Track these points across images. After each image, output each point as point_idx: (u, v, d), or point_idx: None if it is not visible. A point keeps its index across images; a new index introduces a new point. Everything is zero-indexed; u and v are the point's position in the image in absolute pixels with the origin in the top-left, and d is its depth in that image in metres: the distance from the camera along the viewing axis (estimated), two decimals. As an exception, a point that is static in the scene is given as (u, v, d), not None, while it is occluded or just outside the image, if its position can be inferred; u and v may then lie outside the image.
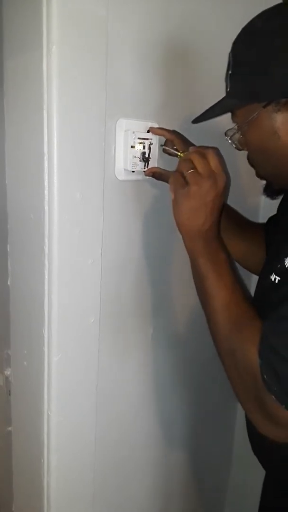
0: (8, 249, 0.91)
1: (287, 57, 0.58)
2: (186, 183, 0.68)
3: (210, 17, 0.98)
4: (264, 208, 1.26)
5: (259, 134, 0.65)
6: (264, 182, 0.76)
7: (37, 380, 0.86)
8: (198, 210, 0.67)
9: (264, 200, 1.23)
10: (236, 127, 0.70)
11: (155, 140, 0.88)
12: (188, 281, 1.08)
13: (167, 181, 0.89)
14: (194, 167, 0.68)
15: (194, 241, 0.68)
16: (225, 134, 0.72)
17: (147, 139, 0.86)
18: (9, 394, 1.00)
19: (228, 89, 0.68)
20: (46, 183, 0.77)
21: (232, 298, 0.65)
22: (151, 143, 0.87)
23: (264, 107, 0.62)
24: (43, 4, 0.70)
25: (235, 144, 0.71)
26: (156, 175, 0.87)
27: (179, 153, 0.81)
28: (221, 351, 0.66)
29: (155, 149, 0.89)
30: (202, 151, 0.70)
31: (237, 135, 0.70)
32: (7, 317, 0.95)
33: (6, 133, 0.86)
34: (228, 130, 0.71)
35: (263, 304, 0.66)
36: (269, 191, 0.76)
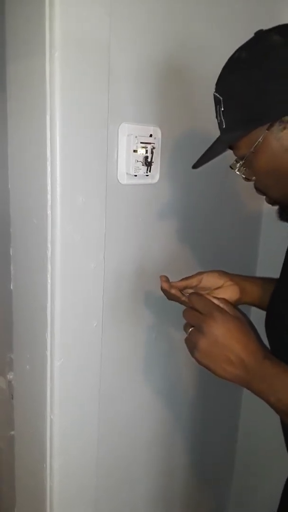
0: (11, 253, 0.91)
1: (280, 76, 0.60)
2: (195, 346, 0.65)
3: (210, 23, 0.98)
4: (266, 213, 1.26)
5: (268, 157, 0.64)
6: (276, 207, 0.73)
7: (40, 384, 0.86)
8: (222, 358, 0.63)
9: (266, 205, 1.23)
10: (242, 158, 0.68)
11: (158, 144, 0.88)
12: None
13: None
14: (191, 325, 0.66)
15: (249, 381, 0.62)
16: (231, 167, 0.70)
17: (150, 143, 0.86)
18: (12, 398, 1.00)
19: (224, 126, 0.68)
20: (49, 188, 0.77)
21: None
22: (153, 147, 0.87)
23: (268, 129, 0.62)
24: (46, 10, 0.71)
25: (243, 175, 0.69)
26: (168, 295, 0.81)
27: (182, 298, 0.76)
28: None
29: (158, 154, 0.89)
30: (189, 305, 0.68)
31: (244, 167, 0.68)
32: (10, 321, 0.95)
33: (9, 137, 0.86)
34: (232, 164, 0.69)
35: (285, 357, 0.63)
36: (285, 215, 0.72)
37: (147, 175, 0.88)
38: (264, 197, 0.72)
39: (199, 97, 0.99)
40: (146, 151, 0.86)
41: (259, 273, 1.31)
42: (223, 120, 0.67)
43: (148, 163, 0.87)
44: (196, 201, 1.06)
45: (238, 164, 0.68)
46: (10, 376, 1.01)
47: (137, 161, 0.86)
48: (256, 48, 0.62)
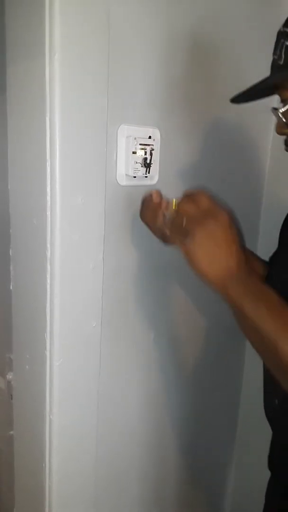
0: (11, 254, 0.92)
1: None
2: (188, 234, 0.62)
3: (215, 22, 0.99)
4: (265, 212, 1.27)
5: None
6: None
7: (39, 384, 0.86)
8: (215, 253, 0.60)
9: (264, 204, 1.24)
10: None
11: (157, 145, 0.89)
12: (188, 285, 1.09)
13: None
14: (188, 215, 0.63)
15: (229, 286, 0.59)
16: (274, 109, 0.66)
17: (149, 145, 0.87)
18: (11, 398, 1.01)
19: (281, 62, 0.64)
20: (48, 189, 0.77)
21: None
22: (152, 149, 0.88)
23: None
24: (45, 12, 0.71)
25: (284, 119, 0.66)
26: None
27: (173, 202, 0.72)
28: None
29: (157, 155, 0.89)
30: (187, 198, 0.65)
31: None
32: (9, 321, 0.95)
33: (9, 138, 0.87)
34: (277, 106, 0.66)
35: None
36: None
37: (146, 177, 0.89)
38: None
39: (198, 99, 0.99)
40: (145, 153, 0.87)
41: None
42: (284, 55, 0.64)
43: (147, 165, 0.87)
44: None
45: (284, 109, 0.65)
46: (9, 376, 1.01)
47: (136, 162, 0.86)
48: None
